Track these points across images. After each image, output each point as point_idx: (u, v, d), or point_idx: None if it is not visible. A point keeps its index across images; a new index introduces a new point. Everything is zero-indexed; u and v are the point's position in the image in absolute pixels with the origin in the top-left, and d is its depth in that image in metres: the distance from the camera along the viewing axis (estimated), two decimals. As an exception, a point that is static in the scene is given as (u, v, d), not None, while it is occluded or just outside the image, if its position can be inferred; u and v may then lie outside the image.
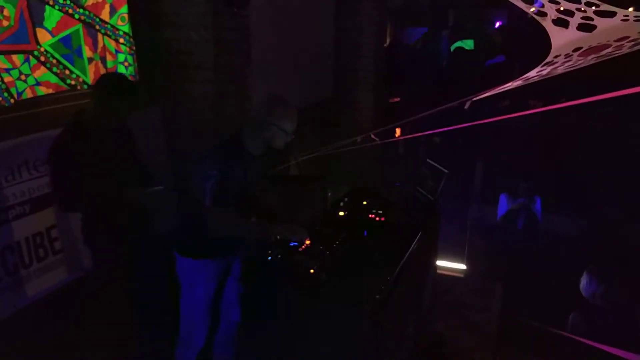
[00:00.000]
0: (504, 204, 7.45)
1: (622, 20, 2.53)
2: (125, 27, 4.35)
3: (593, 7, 2.50)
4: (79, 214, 3.58)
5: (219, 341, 3.67)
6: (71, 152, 3.27)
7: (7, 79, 3.46)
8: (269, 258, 3.28)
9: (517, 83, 3.18)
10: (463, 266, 6.40)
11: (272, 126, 3.17)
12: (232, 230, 3.19)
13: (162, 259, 3.51)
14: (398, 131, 7.57)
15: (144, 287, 3.72)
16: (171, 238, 3.45)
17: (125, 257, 3.59)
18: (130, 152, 3.68)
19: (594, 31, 2.61)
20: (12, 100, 3.49)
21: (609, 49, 2.63)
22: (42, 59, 3.69)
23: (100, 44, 4.16)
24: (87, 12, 3.99)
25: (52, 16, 3.72)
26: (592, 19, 2.56)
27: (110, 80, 3.45)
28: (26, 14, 3.52)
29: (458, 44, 9.22)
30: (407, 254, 3.41)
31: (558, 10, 2.63)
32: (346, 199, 4.26)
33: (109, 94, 3.30)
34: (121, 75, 4.02)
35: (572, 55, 2.78)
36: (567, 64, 2.82)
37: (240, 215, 3.21)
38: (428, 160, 4.55)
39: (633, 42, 2.57)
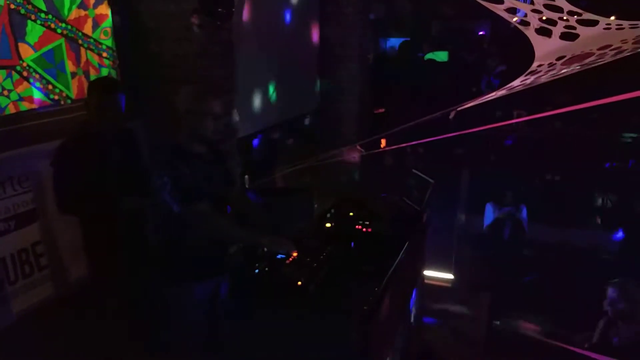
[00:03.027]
0: (490, 213, 7.47)
1: (604, 29, 2.56)
2: (108, 41, 4.33)
3: (575, 16, 2.52)
4: (67, 227, 3.59)
5: None
6: (73, 156, 3.41)
7: (-11, 94, 3.44)
8: (256, 270, 3.26)
9: (501, 92, 3.20)
10: (450, 276, 6.40)
11: (195, 113, 3.10)
12: (215, 229, 3.16)
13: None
14: (383, 142, 7.58)
15: (139, 298, 3.69)
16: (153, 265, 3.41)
17: (121, 265, 3.59)
18: (132, 159, 3.76)
19: (577, 40, 2.63)
20: (-6, 116, 3.46)
21: (592, 57, 2.66)
22: (25, 74, 3.66)
23: (84, 59, 4.14)
24: (69, 27, 3.98)
25: (34, 31, 3.70)
26: (574, 28, 2.58)
27: (97, 82, 3.77)
28: (8, 29, 3.50)
29: (429, 55, 9.24)
30: (395, 264, 3.40)
31: (541, 20, 2.65)
32: (333, 211, 4.25)
33: (99, 94, 3.47)
34: (107, 76, 4.25)
35: (555, 64, 2.80)
36: (550, 73, 2.85)
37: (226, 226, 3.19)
38: (414, 170, 4.55)
39: (615, 51, 2.59)
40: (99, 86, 3.62)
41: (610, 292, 4.29)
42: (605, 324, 4.34)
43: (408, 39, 9.34)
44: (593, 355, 4.21)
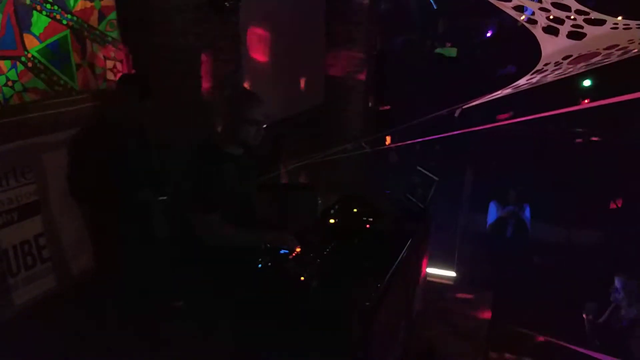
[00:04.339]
0: (493, 211, 7.46)
1: (611, 28, 2.54)
2: (114, 34, 4.32)
3: (583, 15, 2.50)
4: (70, 219, 3.61)
5: None
6: (89, 145, 3.55)
7: (-7, 85, 3.43)
8: (260, 265, 3.26)
9: (506, 91, 3.18)
10: (453, 273, 6.40)
11: (239, 119, 3.12)
12: (221, 238, 3.14)
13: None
14: (388, 139, 7.57)
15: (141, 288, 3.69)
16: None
17: (126, 256, 3.61)
18: (146, 153, 3.88)
19: (584, 39, 2.62)
20: (-2, 107, 3.45)
21: (598, 57, 2.64)
22: (30, 65, 3.66)
23: (89, 50, 4.13)
24: (75, 18, 3.96)
25: (39, 22, 3.69)
26: (582, 27, 2.57)
27: (134, 80, 3.88)
28: (13, 20, 3.49)
29: (438, 50, 9.24)
30: (397, 261, 3.40)
31: (548, 18, 2.64)
32: (336, 207, 4.24)
33: (132, 93, 3.65)
34: (142, 76, 4.25)
35: (562, 63, 2.78)
36: (556, 72, 2.83)
37: (230, 223, 3.16)
38: (418, 167, 4.54)
39: (622, 51, 2.58)
40: (132, 84, 3.77)
41: (617, 282, 4.46)
42: (612, 309, 4.54)
43: (415, 36, 9.32)
44: (593, 354, 4.23)
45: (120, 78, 4.07)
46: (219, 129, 3.23)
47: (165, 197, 3.64)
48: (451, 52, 9.21)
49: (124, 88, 3.80)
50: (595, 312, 4.92)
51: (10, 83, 3.53)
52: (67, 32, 3.93)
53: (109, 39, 4.29)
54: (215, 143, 3.20)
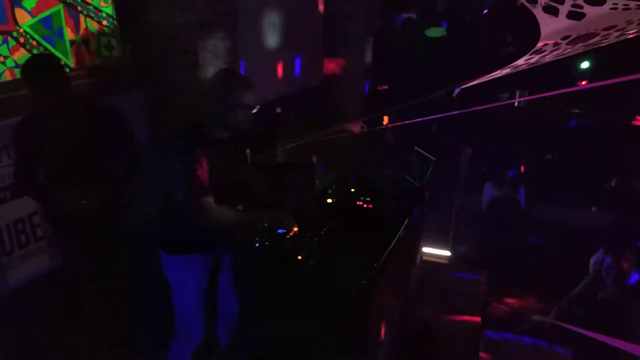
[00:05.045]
0: (489, 192, 7.49)
1: (611, 8, 2.52)
2: (108, 9, 4.27)
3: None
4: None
5: (219, 333, 3.64)
6: (24, 134, 3.24)
7: (-16, 60, 3.39)
8: (257, 245, 3.26)
9: (505, 71, 3.16)
10: (448, 253, 6.42)
11: (226, 104, 2.97)
12: (217, 220, 3.11)
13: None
14: (386, 119, 7.55)
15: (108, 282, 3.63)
16: (146, 236, 3.36)
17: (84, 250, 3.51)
18: (95, 143, 3.35)
19: (583, 19, 2.59)
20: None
21: (597, 38, 2.63)
22: (22, 40, 3.61)
23: (83, 26, 4.07)
24: (68, -7, 3.91)
25: (32, -5, 3.63)
26: (581, 7, 2.54)
27: (32, 61, 3.18)
28: (4, -7, 3.44)
29: (426, 31, 9.19)
30: (394, 240, 3.40)
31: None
32: (334, 186, 4.24)
33: (34, 76, 3.11)
34: (44, 54, 3.76)
35: (560, 43, 2.76)
36: (555, 52, 2.81)
37: (225, 204, 3.13)
38: (416, 147, 4.53)
39: (620, 32, 2.56)
40: (34, 67, 3.12)
41: (607, 256, 4.48)
42: (593, 279, 4.56)
43: (411, 15, 9.24)
44: (588, 333, 4.25)
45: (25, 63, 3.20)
46: (205, 112, 3.06)
47: (85, 201, 3.36)
48: (438, 31, 9.11)
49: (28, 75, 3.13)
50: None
51: (1, 59, 3.49)
52: (60, 6, 3.87)
53: (103, 14, 4.24)
54: (200, 127, 3.08)
